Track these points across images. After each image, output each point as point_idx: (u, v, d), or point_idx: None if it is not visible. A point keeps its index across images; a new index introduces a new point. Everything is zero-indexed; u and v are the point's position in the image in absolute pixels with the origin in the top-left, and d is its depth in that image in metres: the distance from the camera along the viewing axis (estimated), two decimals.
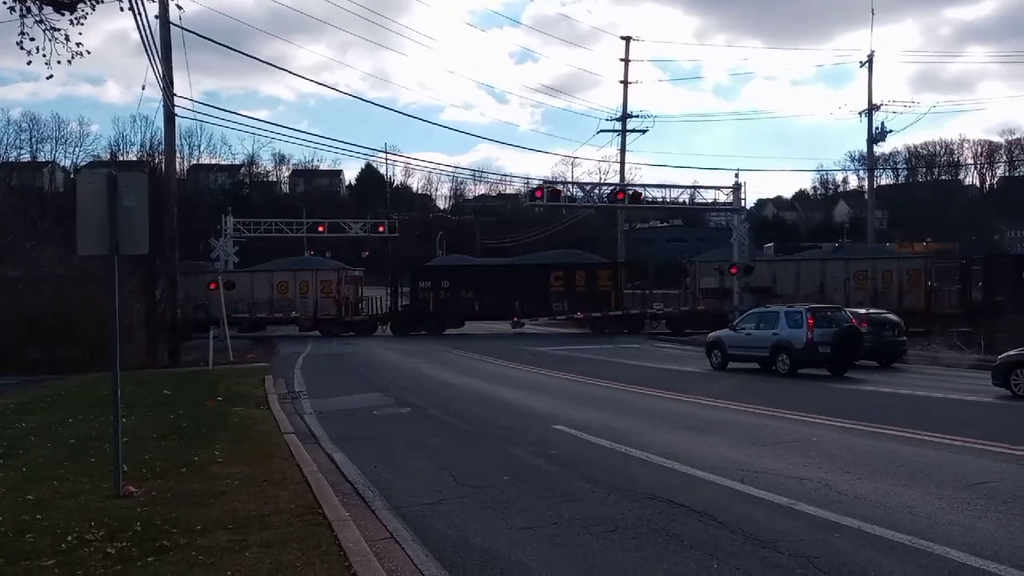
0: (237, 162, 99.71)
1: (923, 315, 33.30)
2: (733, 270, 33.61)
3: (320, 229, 47.54)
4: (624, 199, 34.30)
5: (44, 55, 8.11)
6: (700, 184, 38.08)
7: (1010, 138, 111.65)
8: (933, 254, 45.16)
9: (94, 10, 8.17)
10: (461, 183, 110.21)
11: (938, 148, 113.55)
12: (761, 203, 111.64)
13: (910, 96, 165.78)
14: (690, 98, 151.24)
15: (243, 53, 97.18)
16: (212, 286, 29.51)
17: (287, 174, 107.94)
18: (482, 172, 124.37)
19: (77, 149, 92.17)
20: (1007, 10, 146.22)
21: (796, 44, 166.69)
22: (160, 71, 23.65)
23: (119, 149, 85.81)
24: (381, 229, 48.41)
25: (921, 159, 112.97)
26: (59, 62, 8.22)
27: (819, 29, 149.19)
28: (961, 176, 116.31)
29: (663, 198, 35.36)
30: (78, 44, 8.24)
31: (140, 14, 18.90)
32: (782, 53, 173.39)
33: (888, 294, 34.52)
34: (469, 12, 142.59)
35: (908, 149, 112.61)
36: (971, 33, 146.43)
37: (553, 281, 39.34)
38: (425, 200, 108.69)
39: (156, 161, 36.44)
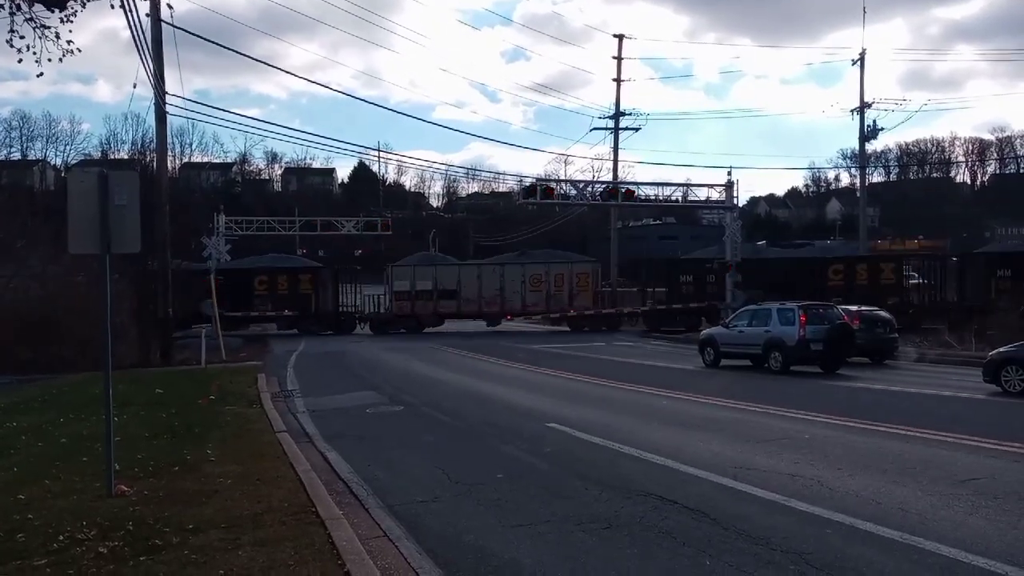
0: (229, 160, 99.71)
1: (593, 317, 38.21)
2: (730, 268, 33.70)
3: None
4: (617, 197, 34.33)
5: (35, 53, 8.06)
6: (693, 182, 38.01)
7: (1001, 136, 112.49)
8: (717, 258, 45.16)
9: (84, 7, 8.13)
10: (454, 181, 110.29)
11: (929, 146, 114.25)
12: (754, 201, 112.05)
13: (899, 94, 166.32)
14: (681, 96, 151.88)
15: (234, 51, 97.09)
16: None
17: (279, 172, 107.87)
18: (475, 170, 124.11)
19: (68, 147, 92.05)
20: (995, 9, 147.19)
21: (785, 43, 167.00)
22: (151, 69, 23.56)
23: (110, 147, 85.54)
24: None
25: (913, 157, 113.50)
26: (50, 60, 8.17)
27: (808, 28, 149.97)
28: (952, 174, 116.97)
29: (656, 196, 35.36)
30: (69, 42, 8.19)
31: (131, 12, 18.85)
32: (772, 52, 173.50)
33: (560, 296, 38.77)
34: (460, 11, 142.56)
35: (900, 147, 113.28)
36: (959, 32, 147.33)
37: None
38: (418, 198, 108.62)
39: (148, 159, 36.41)
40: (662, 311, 37.47)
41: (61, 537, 6.29)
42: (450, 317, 39.80)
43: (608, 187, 35.62)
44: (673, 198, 36.02)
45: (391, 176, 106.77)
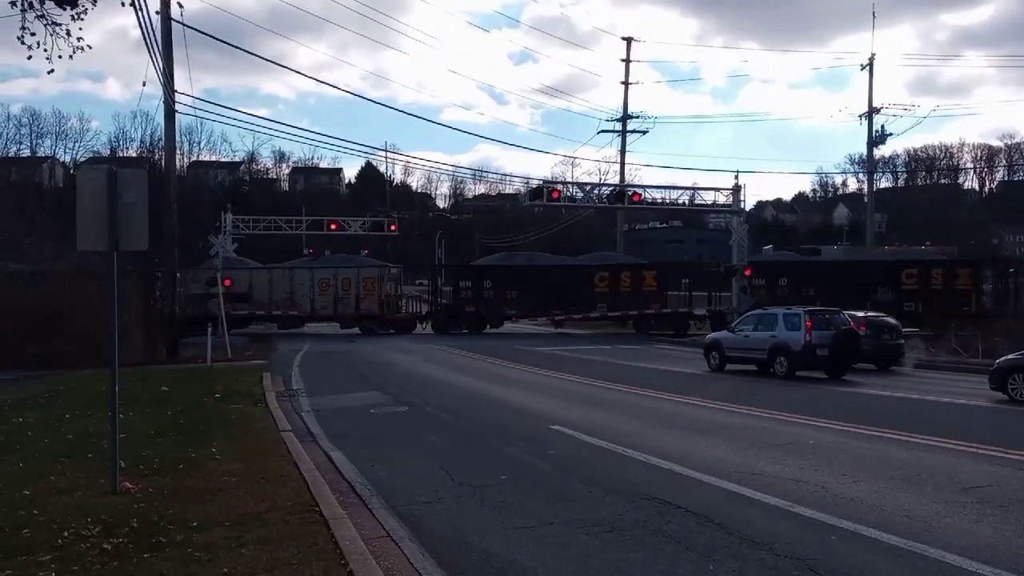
0: (237, 159, 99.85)
1: (377, 317, 38.27)
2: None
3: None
4: (624, 200, 34.31)
5: (45, 50, 8.09)
6: (699, 185, 38.09)
7: (1009, 142, 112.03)
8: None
9: (95, 5, 8.16)
10: (461, 182, 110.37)
11: (938, 152, 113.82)
12: (761, 205, 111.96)
13: (907, 100, 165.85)
14: (688, 100, 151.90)
15: (244, 50, 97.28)
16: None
17: (287, 172, 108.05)
18: (482, 171, 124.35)
19: (77, 145, 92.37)
20: (1003, 15, 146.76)
21: (793, 47, 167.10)
22: (161, 67, 23.64)
23: (119, 145, 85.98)
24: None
25: (921, 162, 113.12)
26: (60, 57, 8.20)
27: (816, 33, 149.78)
28: (960, 180, 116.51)
29: (663, 199, 35.39)
30: (79, 39, 8.22)
31: (142, 10, 18.91)
32: (780, 56, 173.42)
33: (348, 300, 38.46)
34: (469, 12, 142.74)
35: (908, 152, 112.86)
36: (968, 38, 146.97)
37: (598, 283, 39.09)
38: (425, 199, 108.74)
39: (156, 157, 36.52)
40: (446, 312, 38.94)
41: (66, 533, 6.31)
42: (243, 321, 37.90)
43: (615, 190, 35.63)
44: (680, 201, 36.09)
45: (398, 177, 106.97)
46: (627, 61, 48.36)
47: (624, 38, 49.09)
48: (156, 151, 37.17)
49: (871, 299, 33.04)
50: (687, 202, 36.34)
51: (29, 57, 7.92)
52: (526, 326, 41.19)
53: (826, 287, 34.47)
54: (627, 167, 49.79)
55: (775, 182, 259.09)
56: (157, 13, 23.86)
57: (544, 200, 33.66)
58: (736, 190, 34.35)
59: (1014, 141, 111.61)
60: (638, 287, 38.51)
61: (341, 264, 40.90)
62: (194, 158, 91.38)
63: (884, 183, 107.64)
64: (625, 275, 38.97)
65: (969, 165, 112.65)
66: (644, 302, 38.30)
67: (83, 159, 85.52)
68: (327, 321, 39.79)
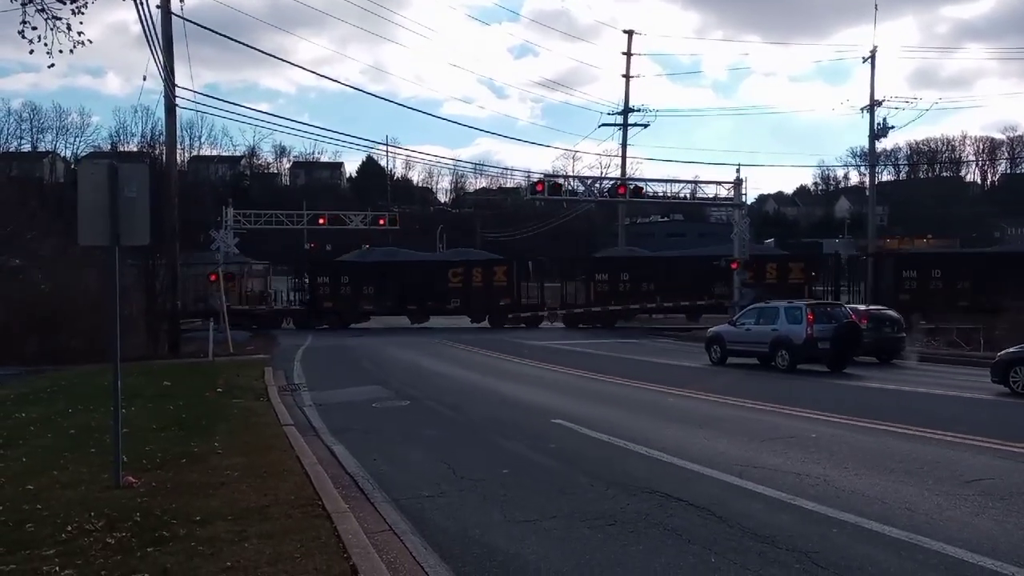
0: (238, 154, 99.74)
1: (239, 313, 36.17)
2: (734, 265, 33.66)
3: (320, 222, 47.52)
4: (625, 194, 34.27)
5: (46, 44, 8.10)
6: (701, 179, 38.24)
7: (1012, 135, 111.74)
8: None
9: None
10: (462, 176, 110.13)
11: (939, 144, 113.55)
12: (762, 198, 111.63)
13: (908, 93, 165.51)
14: (689, 94, 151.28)
15: (244, 44, 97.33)
16: (212, 277, 29.56)
17: (288, 166, 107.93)
18: (483, 165, 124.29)
19: (78, 139, 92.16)
20: (1004, 8, 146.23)
21: (794, 40, 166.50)
22: (161, 61, 23.63)
23: (120, 140, 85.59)
24: (382, 222, 48.44)
25: (922, 155, 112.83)
26: (60, 51, 8.21)
27: (817, 26, 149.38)
28: (963, 173, 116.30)
29: (664, 193, 35.32)
30: (79, 33, 8.23)
31: (142, 3, 18.89)
32: (780, 49, 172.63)
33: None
34: (468, 6, 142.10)
35: (909, 145, 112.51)
36: (969, 31, 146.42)
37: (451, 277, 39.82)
38: (426, 193, 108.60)
39: (157, 152, 36.41)
40: (307, 308, 39.39)
41: (69, 528, 6.33)
42: None
43: (616, 184, 35.57)
44: (681, 195, 36.02)
45: (399, 171, 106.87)
46: (628, 54, 48.26)
47: (626, 31, 48.99)
48: (157, 146, 37.06)
49: (707, 292, 36.71)
50: (689, 196, 36.26)
51: (31, 51, 7.94)
52: (392, 321, 41.09)
53: (665, 280, 37.45)
54: (628, 161, 49.76)
55: (777, 175, 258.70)
56: (158, 7, 23.89)
57: (545, 194, 33.64)
58: (737, 183, 34.31)
59: (1016, 134, 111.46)
60: (489, 282, 39.40)
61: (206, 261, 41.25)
62: (195, 153, 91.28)
63: (886, 176, 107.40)
64: (477, 271, 39.81)
65: (971, 158, 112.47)
66: (496, 296, 39.20)
67: (84, 154, 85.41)
68: (190, 318, 40.15)
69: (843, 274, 40.55)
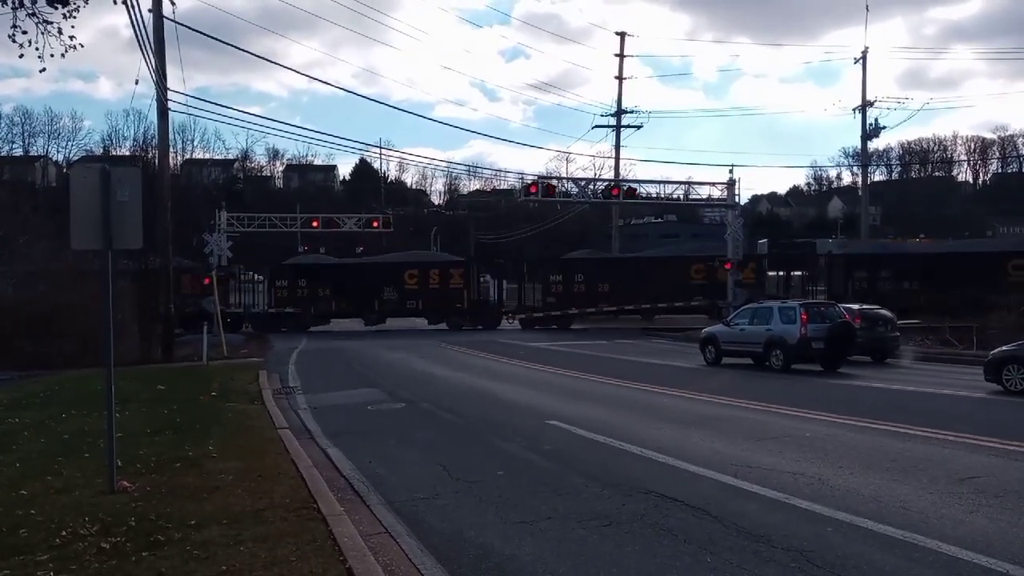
0: (231, 157, 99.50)
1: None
2: (727, 265, 33.73)
3: (314, 224, 47.40)
4: (619, 195, 34.31)
5: (37, 48, 8.06)
6: (694, 180, 38.32)
7: (1002, 135, 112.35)
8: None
9: (87, 3, 8.13)
10: (455, 178, 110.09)
11: (931, 144, 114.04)
12: (756, 199, 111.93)
13: (897, 93, 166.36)
14: (680, 95, 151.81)
15: (235, 46, 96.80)
16: (207, 281, 29.50)
17: (281, 169, 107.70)
18: (476, 167, 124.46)
19: (70, 143, 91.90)
20: (992, 9, 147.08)
21: (784, 42, 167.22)
22: (153, 64, 23.54)
23: (112, 143, 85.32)
24: (375, 225, 48.36)
25: (914, 155, 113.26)
26: (52, 56, 8.17)
27: (805, 28, 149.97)
28: (955, 172, 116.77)
29: (657, 194, 35.36)
30: (71, 37, 8.19)
31: (133, 7, 18.85)
32: (770, 51, 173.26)
33: None
34: (459, 8, 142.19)
35: (901, 145, 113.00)
36: (957, 32, 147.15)
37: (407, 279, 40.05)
38: (419, 195, 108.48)
39: (149, 156, 36.35)
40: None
41: (63, 533, 6.30)
42: None
43: (609, 185, 35.63)
44: (675, 196, 36.07)
45: (392, 173, 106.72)
46: (621, 56, 48.36)
47: (618, 33, 49.18)
48: (149, 149, 37.05)
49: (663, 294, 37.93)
50: (682, 197, 36.34)
51: (21, 56, 7.90)
52: (349, 324, 41.22)
53: (620, 282, 38.66)
54: (622, 162, 49.76)
55: (770, 176, 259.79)
56: (149, 11, 23.79)
57: (539, 196, 33.66)
58: (731, 184, 34.37)
59: (1007, 134, 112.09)
60: (446, 284, 39.84)
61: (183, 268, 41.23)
62: (187, 156, 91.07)
63: (878, 176, 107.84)
64: (434, 273, 40.27)
65: (963, 158, 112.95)
66: (453, 298, 39.66)
67: (76, 158, 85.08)
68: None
69: (821, 274, 40.73)
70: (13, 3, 7.58)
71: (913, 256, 39.84)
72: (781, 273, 41.67)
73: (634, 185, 35.42)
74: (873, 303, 25.46)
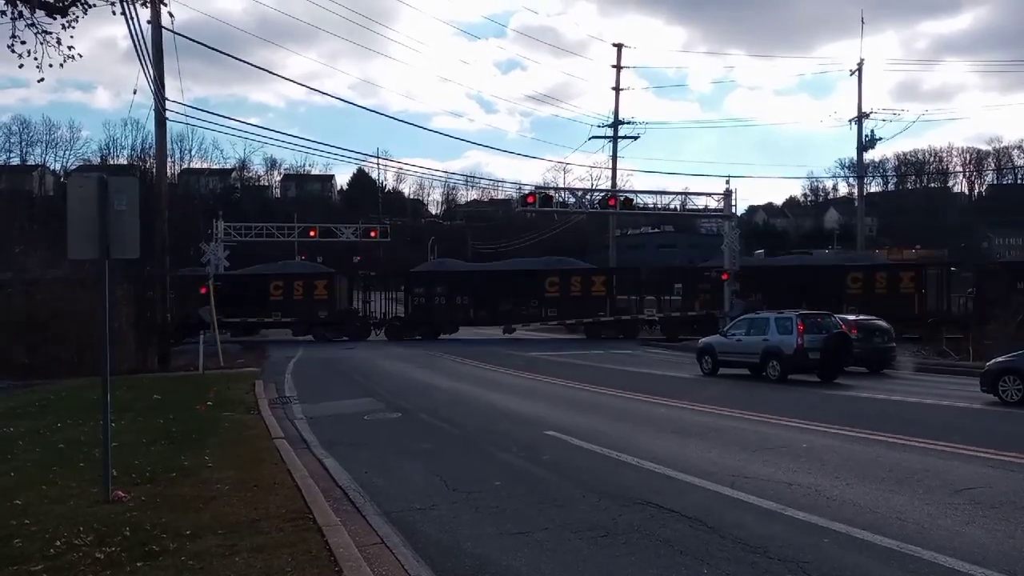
0: (228, 166, 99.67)
1: None
2: (724, 276, 33.79)
3: (311, 234, 47.43)
4: (616, 205, 34.40)
5: (35, 58, 8.10)
6: (691, 191, 38.58)
7: (997, 146, 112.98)
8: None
9: (86, 14, 8.19)
10: (453, 188, 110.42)
11: (927, 156, 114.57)
12: (752, 210, 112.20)
13: (891, 106, 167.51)
14: (675, 107, 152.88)
15: (233, 56, 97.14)
16: (203, 290, 29.44)
17: (279, 178, 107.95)
18: (474, 177, 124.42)
19: (67, 153, 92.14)
20: (982, 23, 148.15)
21: (778, 54, 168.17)
22: (152, 74, 23.61)
23: (109, 153, 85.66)
24: (373, 234, 48.39)
25: (910, 166, 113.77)
26: (51, 65, 8.22)
27: (799, 40, 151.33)
28: (950, 183, 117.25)
29: (654, 204, 35.51)
30: (70, 47, 8.24)
31: (132, 18, 18.90)
32: (764, 63, 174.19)
33: None
34: (456, 21, 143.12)
35: (897, 157, 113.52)
36: (947, 45, 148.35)
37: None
38: (417, 205, 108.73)
39: (147, 165, 36.42)
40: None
41: (58, 543, 6.28)
42: None
43: (606, 195, 35.73)
44: (671, 207, 36.17)
45: (390, 183, 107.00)
46: (618, 67, 48.54)
47: (615, 44, 49.29)
48: (147, 159, 37.22)
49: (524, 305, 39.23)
50: (679, 207, 36.40)
51: (20, 66, 7.93)
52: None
53: (480, 294, 39.76)
54: (618, 173, 49.94)
55: (766, 187, 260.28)
56: (148, 22, 23.84)
57: (537, 206, 33.73)
58: (727, 195, 34.48)
59: (1002, 145, 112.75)
60: (310, 295, 40.09)
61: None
62: (185, 165, 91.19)
63: (874, 187, 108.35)
64: (298, 284, 40.45)
65: (958, 169, 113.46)
66: (318, 308, 39.85)
67: (73, 167, 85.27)
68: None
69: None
70: (12, 13, 7.62)
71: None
72: None
73: (631, 195, 35.56)
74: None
